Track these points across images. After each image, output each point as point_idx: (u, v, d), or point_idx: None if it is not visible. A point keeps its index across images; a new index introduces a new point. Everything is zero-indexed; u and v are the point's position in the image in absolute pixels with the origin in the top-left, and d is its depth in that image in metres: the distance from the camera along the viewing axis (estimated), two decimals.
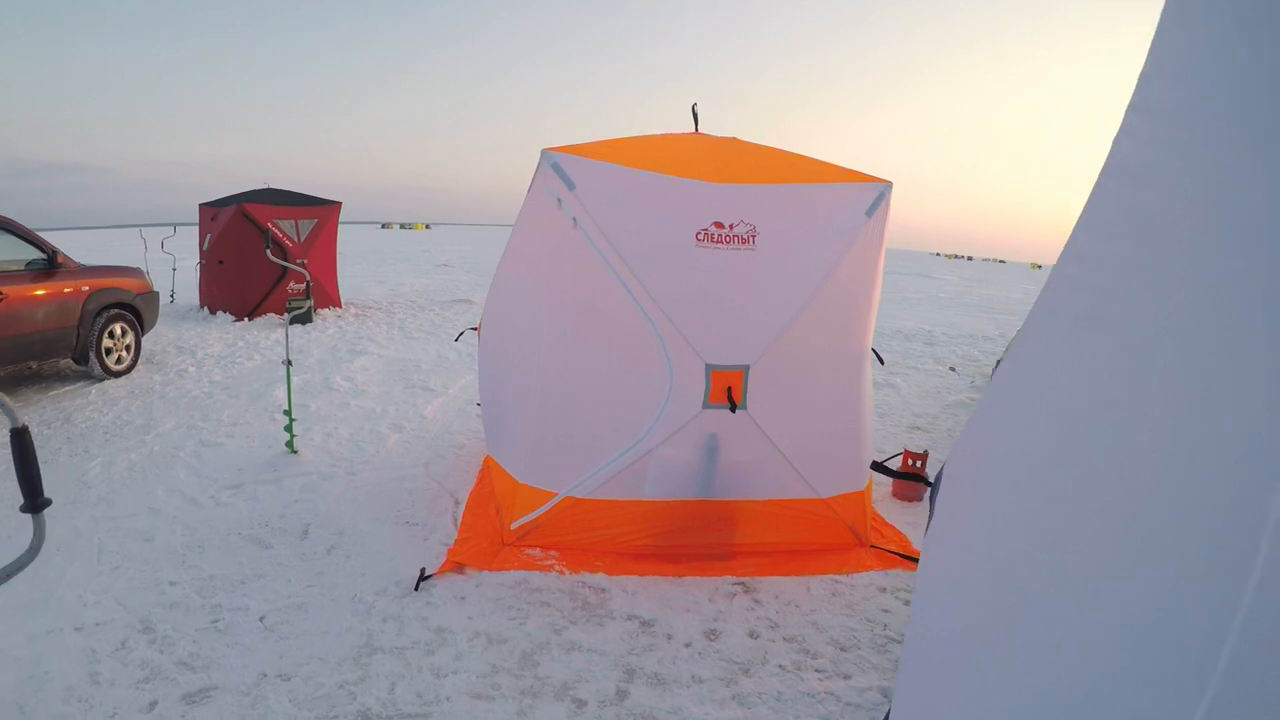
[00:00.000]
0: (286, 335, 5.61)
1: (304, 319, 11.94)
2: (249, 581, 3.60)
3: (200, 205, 13.39)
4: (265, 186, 13.22)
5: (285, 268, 12.69)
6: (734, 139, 4.26)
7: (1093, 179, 1.21)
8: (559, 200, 3.50)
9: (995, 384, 1.45)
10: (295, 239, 12.83)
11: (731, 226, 3.60)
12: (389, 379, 8.08)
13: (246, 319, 12.14)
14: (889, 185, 3.95)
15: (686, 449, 3.70)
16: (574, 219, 3.50)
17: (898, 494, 5.34)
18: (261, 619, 3.27)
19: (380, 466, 5.34)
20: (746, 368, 3.65)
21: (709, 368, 3.61)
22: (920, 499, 5.36)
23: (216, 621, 3.24)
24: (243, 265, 12.33)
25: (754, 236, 3.63)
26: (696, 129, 4.41)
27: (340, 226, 13.82)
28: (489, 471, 4.67)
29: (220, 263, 12.63)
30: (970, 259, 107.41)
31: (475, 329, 5.39)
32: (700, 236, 3.55)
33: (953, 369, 10.72)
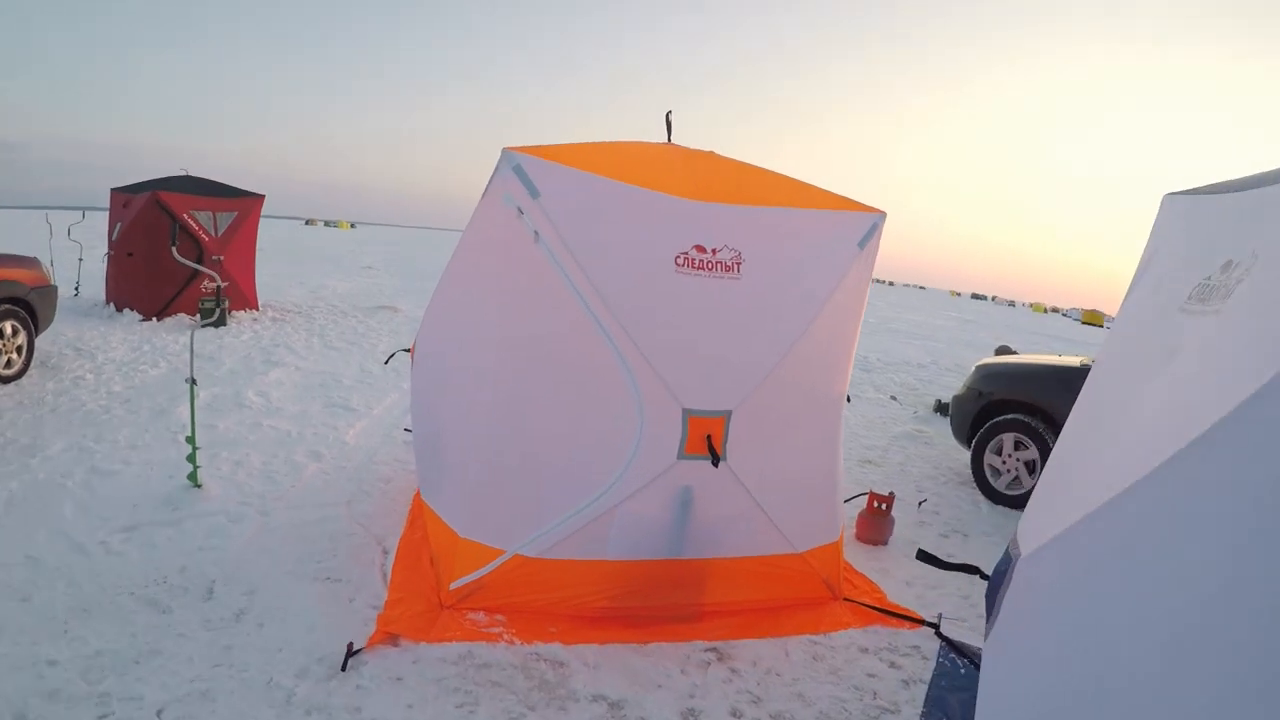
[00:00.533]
0: (191, 349, 4.89)
1: (217, 322, 10.99)
2: (144, 660, 2.93)
3: (112, 190, 12.25)
4: (183, 173, 12.19)
5: (195, 269, 11.71)
6: (711, 153, 3.83)
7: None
8: (520, 210, 2.99)
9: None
10: (212, 233, 11.83)
11: (715, 251, 3.15)
12: (307, 395, 7.35)
13: (155, 318, 11.07)
14: (883, 215, 3.58)
15: (657, 504, 3.23)
16: (536, 233, 2.99)
17: (862, 536, 4.99)
18: (159, 714, 2.63)
19: (297, 504, 4.68)
20: (728, 413, 3.20)
21: (687, 413, 3.14)
22: (886, 542, 5.03)
23: (105, 718, 2.59)
24: (154, 259, 11.18)
25: (739, 264, 3.19)
26: (670, 139, 3.95)
27: (262, 221, 12.86)
28: (421, 514, 4.09)
29: (129, 255, 11.49)
30: (892, 284, 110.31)
31: (408, 350, 4.80)
32: (680, 261, 3.09)
33: (894, 398, 10.58)
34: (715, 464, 3.16)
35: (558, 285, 3.00)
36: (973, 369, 6.88)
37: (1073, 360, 6.45)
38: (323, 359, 9.16)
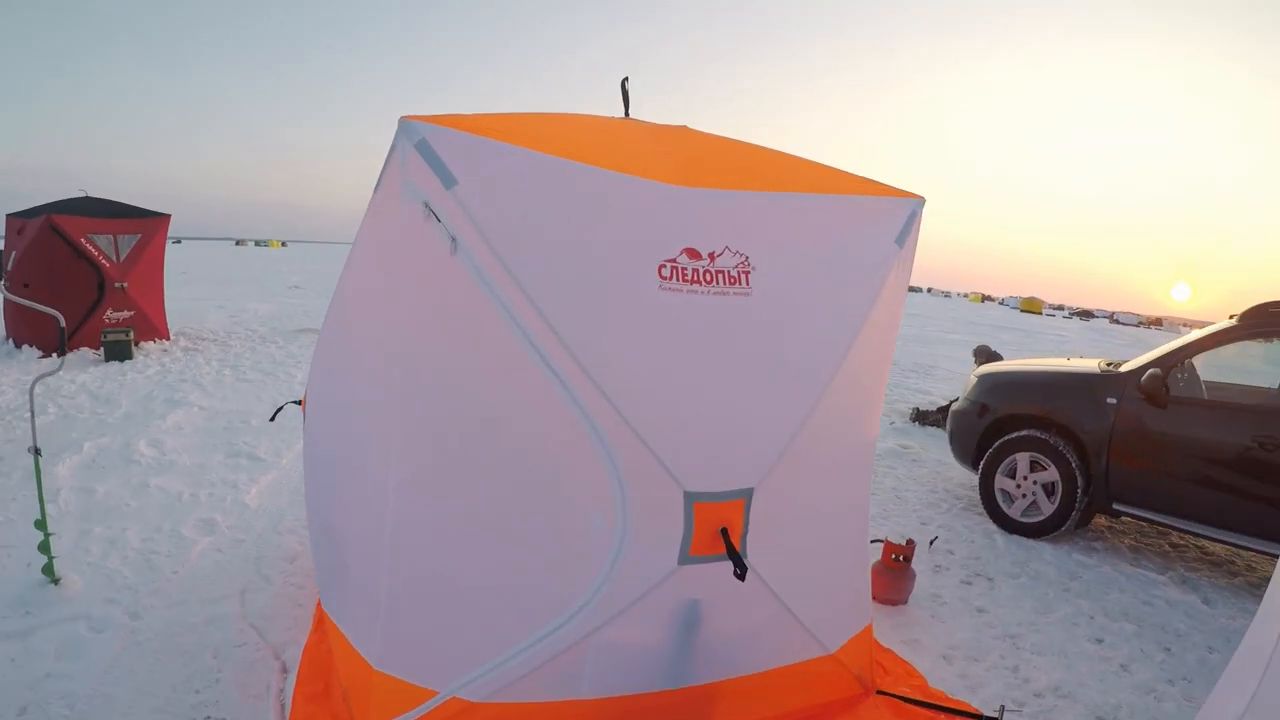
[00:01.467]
0: (31, 405, 3.70)
1: (122, 355, 9.64)
2: None
3: (7, 216, 10.76)
4: (81, 194, 10.78)
5: (33, 307, 10.30)
6: (685, 128, 2.85)
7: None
8: (427, 206, 1.96)
9: None
10: (113, 258, 10.46)
11: (713, 256, 2.17)
12: (208, 443, 6.13)
13: (56, 354, 9.64)
14: (921, 202, 2.65)
15: (650, 627, 2.21)
16: (454, 240, 1.96)
17: (879, 595, 4.05)
18: None
19: (177, 599, 3.53)
20: (749, 493, 2.20)
21: (692, 499, 2.13)
22: (907, 600, 4.11)
23: None
24: (52, 288, 9.82)
25: (746, 274, 2.21)
26: (627, 114, 2.95)
27: (191, 243, 11.50)
28: (325, 624, 3.00)
29: (26, 285, 10.06)
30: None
31: (299, 402, 3.71)
32: (666, 273, 2.09)
33: None
34: (740, 573, 2.13)
35: (488, 316, 1.98)
36: (973, 379, 6.00)
37: (1089, 364, 5.63)
38: (232, 395, 7.91)
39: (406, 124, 1.94)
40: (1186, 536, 5.47)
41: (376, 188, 2.21)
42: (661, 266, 2.08)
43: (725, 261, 2.19)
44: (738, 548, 2.16)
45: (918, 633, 3.79)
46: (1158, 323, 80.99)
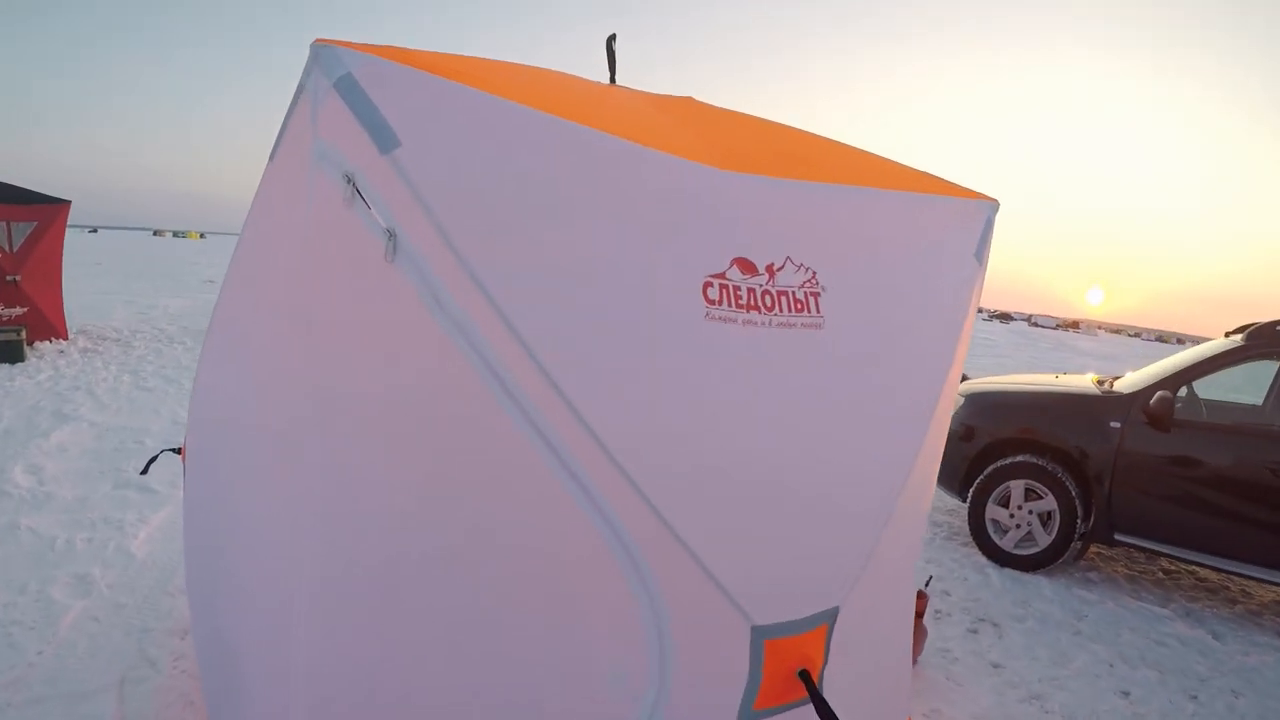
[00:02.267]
0: None
1: (12, 356, 8.44)
2: None
3: None
4: None
5: None
6: (691, 99, 2.14)
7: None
8: (350, 182, 1.21)
9: None
10: (6, 247, 9.21)
11: (772, 270, 1.47)
12: (95, 467, 5.14)
13: None
14: (996, 206, 2.04)
15: None
16: (391, 235, 1.21)
17: None
18: None
19: (37, 695, 2.64)
20: (833, 614, 1.51)
21: (762, 635, 1.41)
22: (916, 661, 3.53)
23: None
24: None
25: (816, 296, 1.53)
26: (613, 79, 2.22)
27: (109, 233, 10.26)
28: None
29: None
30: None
31: (178, 450, 2.88)
32: (715, 293, 1.38)
33: None
34: None
35: (445, 358, 1.24)
36: (959, 398, 5.48)
37: (1082, 382, 5.18)
38: (129, 407, 6.85)
39: (324, 51, 1.18)
40: (1176, 562, 5.09)
41: (273, 153, 1.45)
42: (708, 284, 1.38)
43: (788, 278, 1.50)
44: (819, 689, 1.47)
45: (937, 701, 3.22)
46: (1075, 325, 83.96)
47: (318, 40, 1.19)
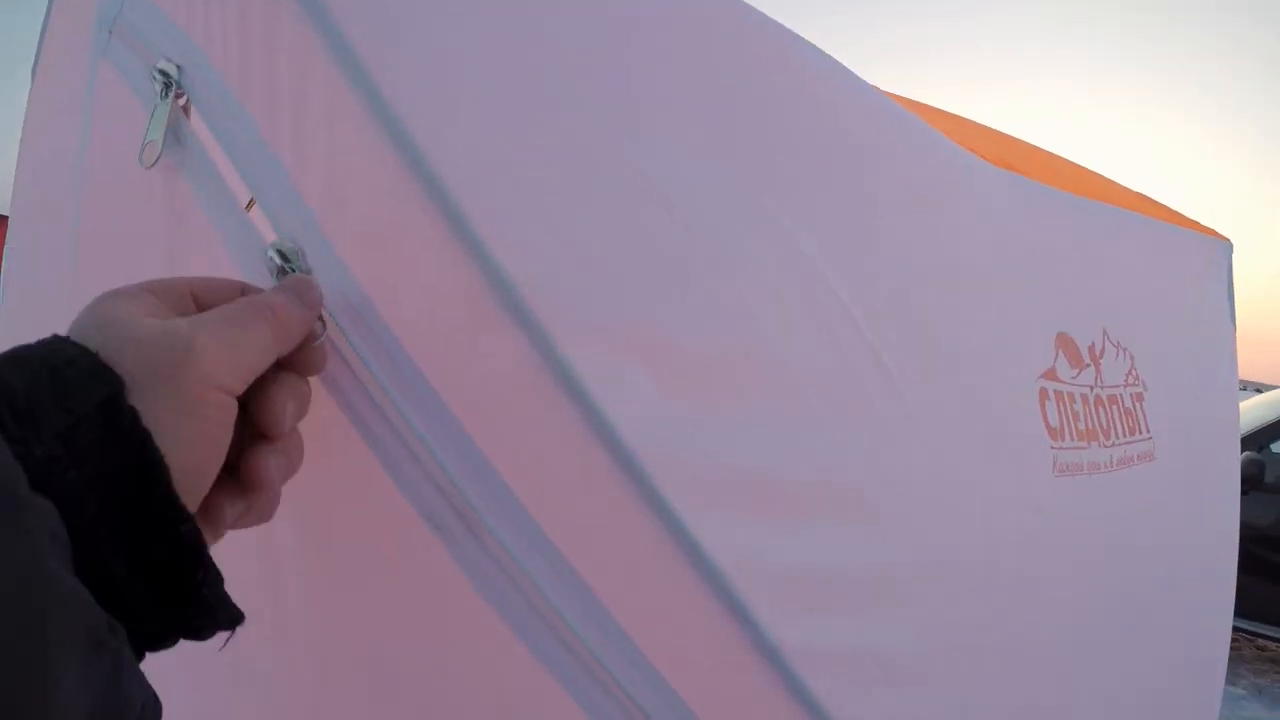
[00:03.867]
0: None
1: None
2: None
3: None
4: None
5: None
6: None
7: None
8: (165, 84, 0.39)
9: None
10: None
11: (1095, 358, 0.74)
12: None
13: None
14: (1230, 246, 1.37)
15: None
16: (327, 322, 0.39)
17: None
18: None
19: None
20: None
21: None
22: None
23: None
24: None
25: (1141, 400, 0.80)
26: None
27: None
28: None
29: None
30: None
31: None
32: (1053, 411, 0.62)
33: None
34: None
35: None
36: None
37: None
38: None
39: None
40: (1235, 632, 4.56)
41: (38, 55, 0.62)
42: (1044, 394, 0.61)
43: (1112, 370, 0.75)
44: None
45: None
46: None
47: None
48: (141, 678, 0.24)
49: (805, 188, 0.43)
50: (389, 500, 0.36)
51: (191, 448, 0.27)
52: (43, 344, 0.26)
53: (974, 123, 1.24)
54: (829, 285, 0.39)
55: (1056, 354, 0.65)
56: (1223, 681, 0.95)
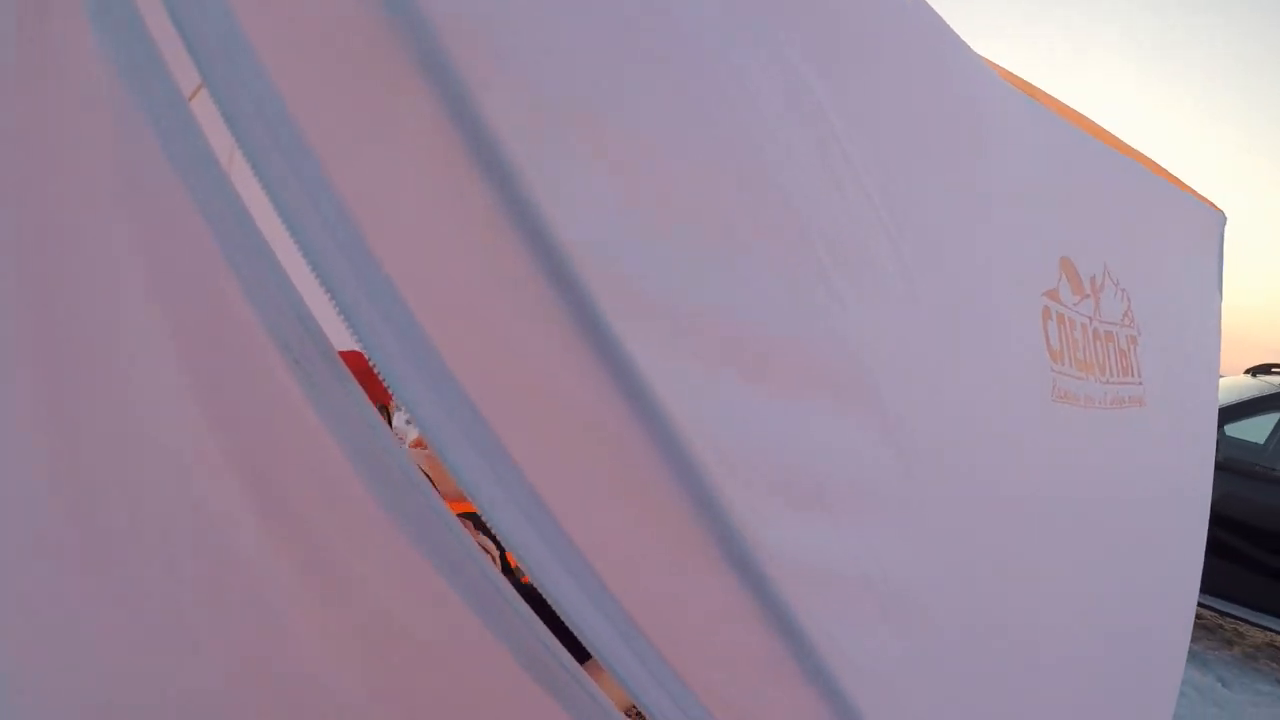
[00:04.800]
0: None
1: None
2: None
3: None
4: None
5: None
6: None
7: None
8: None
9: None
10: None
11: (1096, 289, 0.70)
12: None
13: None
14: (1224, 218, 1.34)
15: None
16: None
17: None
18: None
19: None
20: None
21: None
22: None
23: None
24: None
25: (1134, 343, 0.77)
26: None
27: None
28: None
29: None
30: None
31: None
32: (1054, 333, 0.58)
33: None
34: None
35: None
36: None
37: None
38: None
39: None
40: None
41: None
42: (1046, 313, 0.57)
43: (1110, 307, 0.71)
44: None
45: None
46: None
47: None
48: None
49: (823, 41, 0.38)
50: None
51: None
52: None
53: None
54: (842, 146, 0.35)
55: (1060, 276, 0.61)
56: (1189, 633, 0.94)
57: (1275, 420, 4.00)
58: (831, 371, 0.33)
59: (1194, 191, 1.30)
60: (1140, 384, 0.76)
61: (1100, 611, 0.59)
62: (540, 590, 0.28)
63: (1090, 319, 0.66)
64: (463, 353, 0.28)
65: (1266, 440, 4.11)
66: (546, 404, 0.29)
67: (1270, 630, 3.68)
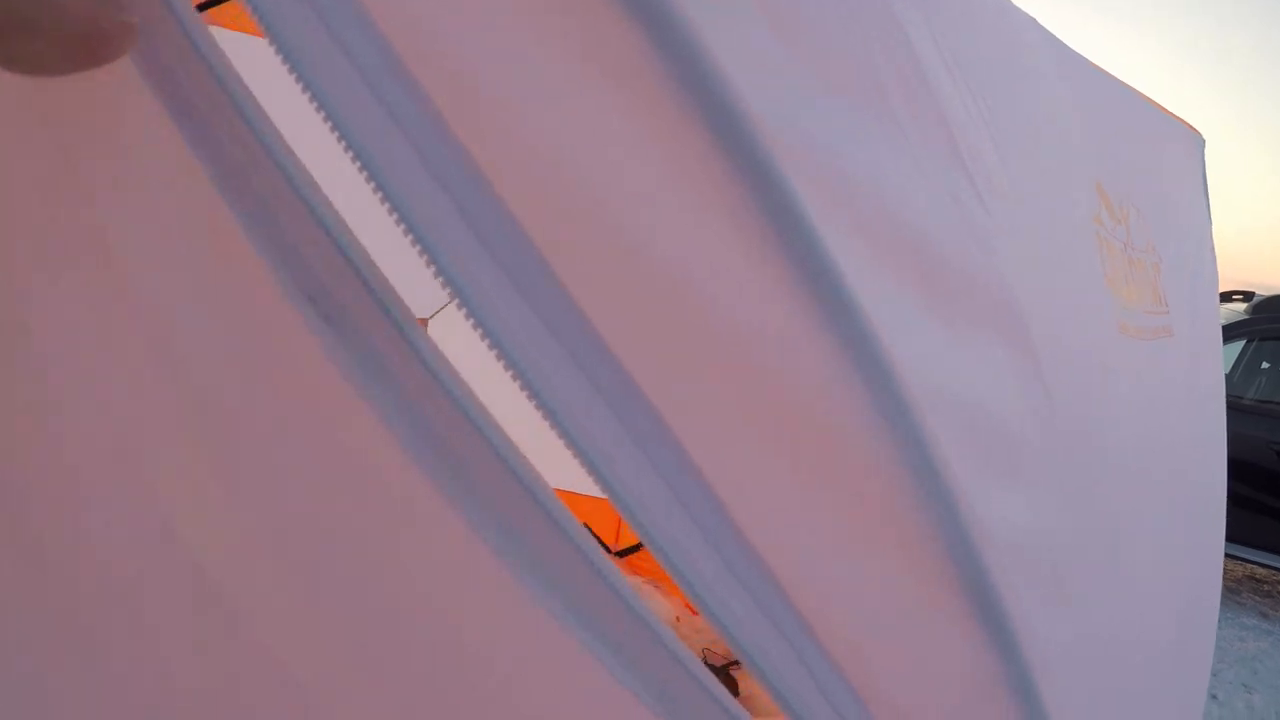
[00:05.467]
0: None
1: None
2: None
3: None
4: None
5: None
6: None
7: None
8: None
9: None
10: None
11: (1126, 218, 0.66)
12: None
13: None
14: (1202, 141, 1.32)
15: None
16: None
17: None
18: None
19: None
20: None
21: None
22: None
23: None
24: None
25: (1159, 271, 0.73)
26: None
27: None
28: None
29: None
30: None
31: None
32: (1107, 260, 0.53)
33: None
34: None
35: None
36: None
37: None
38: None
39: None
40: None
41: None
42: (1100, 243, 0.52)
43: (1139, 235, 0.68)
44: None
45: None
46: None
47: None
48: None
49: None
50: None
51: None
52: None
53: None
54: (947, 38, 0.29)
55: (1099, 203, 0.57)
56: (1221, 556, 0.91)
57: (1239, 348, 4.04)
58: (990, 291, 0.28)
59: (1173, 114, 1.28)
60: (1168, 312, 0.73)
61: (1182, 564, 0.56)
62: (669, 569, 0.21)
63: (1125, 245, 0.62)
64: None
65: (1231, 369, 4.15)
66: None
67: (1247, 561, 3.72)
